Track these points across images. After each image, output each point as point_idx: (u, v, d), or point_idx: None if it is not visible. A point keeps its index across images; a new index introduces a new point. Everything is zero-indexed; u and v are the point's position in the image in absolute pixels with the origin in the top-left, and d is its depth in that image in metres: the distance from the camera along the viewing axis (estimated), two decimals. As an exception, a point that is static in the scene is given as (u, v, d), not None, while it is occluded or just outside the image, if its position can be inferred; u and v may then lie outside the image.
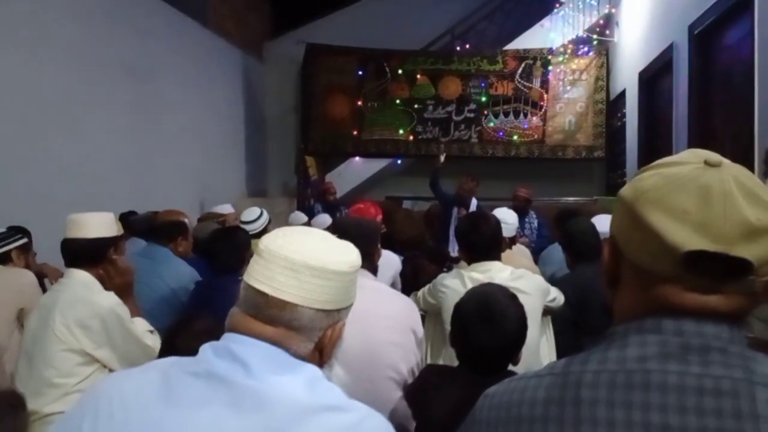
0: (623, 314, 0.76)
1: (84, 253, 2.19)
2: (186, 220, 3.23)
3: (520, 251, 3.66)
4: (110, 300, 2.15)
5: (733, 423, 0.64)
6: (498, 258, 2.38)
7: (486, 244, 2.35)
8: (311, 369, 0.94)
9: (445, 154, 6.02)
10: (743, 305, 0.70)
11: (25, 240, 3.23)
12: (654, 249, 0.70)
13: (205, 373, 0.89)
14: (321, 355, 0.97)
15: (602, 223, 3.27)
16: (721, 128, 4.40)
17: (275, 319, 0.92)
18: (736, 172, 0.70)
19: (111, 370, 2.09)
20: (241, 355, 0.89)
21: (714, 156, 0.72)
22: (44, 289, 3.08)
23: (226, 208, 4.37)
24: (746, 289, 0.69)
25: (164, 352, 1.63)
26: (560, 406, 0.71)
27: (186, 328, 1.68)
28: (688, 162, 0.72)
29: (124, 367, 2.03)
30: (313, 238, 0.98)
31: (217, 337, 0.95)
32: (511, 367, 1.57)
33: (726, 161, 0.72)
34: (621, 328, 0.75)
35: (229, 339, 0.93)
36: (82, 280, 2.17)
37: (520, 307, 1.60)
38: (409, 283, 3.07)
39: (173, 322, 1.76)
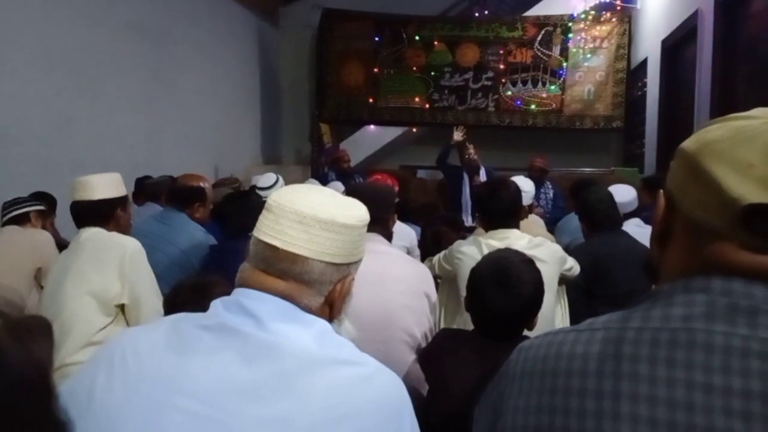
0: (670, 273, 0.74)
1: (92, 214, 2.24)
2: (205, 185, 3.22)
3: (535, 221, 3.64)
4: (135, 242, 2.22)
5: None
6: (517, 226, 2.36)
7: (505, 210, 2.33)
8: (322, 323, 0.95)
9: (461, 134, 5.84)
10: None
11: (41, 207, 3.26)
12: (712, 202, 0.68)
13: (217, 326, 0.90)
14: (331, 310, 0.98)
15: (620, 192, 3.23)
16: (745, 99, 4.30)
17: (286, 273, 0.93)
18: None
19: (127, 321, 2.14)
20: (252, 309, 0.90)
21: None
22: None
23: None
24: None
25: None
26: (600, 360, 0.70)
27: (201, 294, 1.66)
28: (758, 117, 0.70)
29: (141, 314, 2.10)
30: (321, 193, 1.00)
31: None
32: (526, 333, 1.57)
33: None
34: (667, 286, 0.73)
35: (240, 294, 0.94)
36: (96, 232, 2.22)
37: (536, 272, 1.59)
38: (430, 250, 3.06)
39: (181, 285, 1.74)
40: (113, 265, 2.12)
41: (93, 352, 0.97)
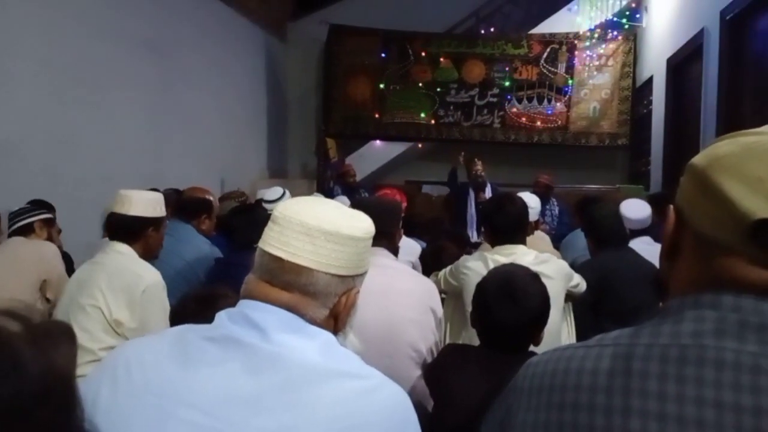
0: (680, 288, 0.74)
1: (123, 229, 2.26)
2: (211, 198, 3.23)
3: (541, 237, 3.63)
4: (155, 275, 2.20)
5: None
6: (523, 241, 2.35)
7: (511, 226, 2.33)
8: (327, 335, 0.95)
9: (462, 157, 6.06)
10: None
11: (48, 214, 3.27)
12: (722, 217, 0.68)
13: (221, 338, 0.90)
14: (336, 322, 0.98)
15: (634, 208, 3.18)
16: (751, 117, 4.30)
17: (291, 285, 0.93)
18: None
19: None
20: (257, 321, 0.90)
21: None
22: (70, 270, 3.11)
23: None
24: None
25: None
26: (609, 376, 0.69)
27: (207, 306, 1.65)
28: (767, 133, 0.70)
29: None
30: (327, 205, 1.00)
31: None
32: (533, 349, 1.56)
33: None
34: (676, 302, 0.73)
35: (245, 305, 0.94)
36: (123, 252, 2.22)
37: (542, 286, 1.59)
38: (430, 265, 3.05)
39: (187, 297, 1.74)
40: (123, 293, 2.12)
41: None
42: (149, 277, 2.18)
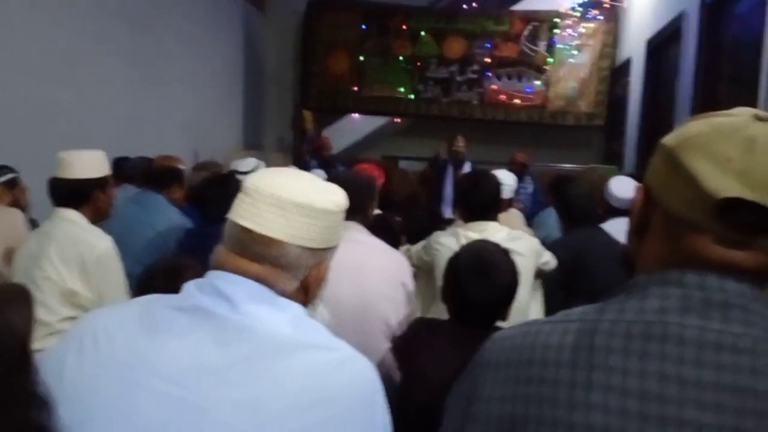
0: (646, 265, 0.75)
1: (68, 194, 2.16)
2: (182, 167, 3.18)
3: (515, 215, 3.66)
4: (106, 242, 2.13)
5: (750, 379, 0.64)
6: (495, 218, 2.37)
7: (485, 203, 2.34)
8: (296, 307, 0.94)
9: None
10: None
11: (11, 174, 3.14)
12: (690, 195, 0.69)
13: (190, 308, 0.89)
14: (306, 294, 0.97)
15: (622, 186, 3.13)
16: (726, 101, 4.34)
17: (261, 256, 0.92)
18: None
19: None
20: (226, 292, 0.89)
21: (764, 113, 0.71)
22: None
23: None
24: None
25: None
26: (574, 351, 0.70)
27: (173, 277, 1.63)
28: (738, 114, 0.72)
29: None
30: (300, 177, 0.99)
31: None
32: (499, 323, 1.57)
33: None
34: (642, 278, 0.74)
35: (214, 276, 0.92)
36: (71, 219, 2.14)
37: (512, 263, 1.60)
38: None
39: (153, 267, 1.71)
40: (76, 263, 2.05)
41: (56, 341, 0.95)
42: (101, 245, 2.10)
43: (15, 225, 2.91)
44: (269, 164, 4.16)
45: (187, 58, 6.53)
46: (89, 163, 2.20)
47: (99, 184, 2.21)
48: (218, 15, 7.38)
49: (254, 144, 8.51)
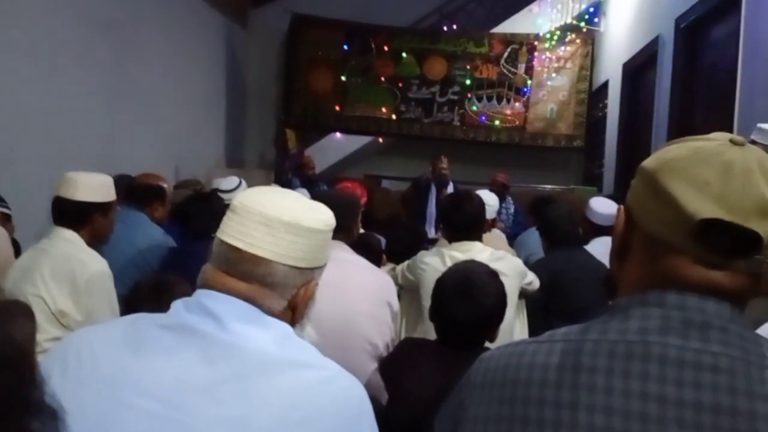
0: (628, 286, 0.77)
1: (69, 214, 2.15)
2: (165, 185, 3.16)
3: (497, 236, 3.68)
4: (101, 264, 2.12)
5: (729, 399, 0.65)
6: (479, 239, 2.39)
7: (468, 223, 2.36)
8: (283, 326, 0.94)
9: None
10: (747, 286, 0.71)
11: (7, 210, 3.12)
12: (669, 217, 0.71)
13: (176, 326, 0.89)
14: (294, 314, 0.97)
15: (602, 205, 3.20)
16: (702, 124, 4.44)
17: (249, 275, 0.92)
18: (759, 154, 0.72)
19: None
20: (213, 310, 0.89)
21: (739, 137, 0.73)
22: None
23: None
24: (753, 269, 0.70)
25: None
26: (559, 371, 0.71)
27: (161, 293, 1.62)
28: (715, 139, 0.74)
29: None
30: (287, 196, 0.99)
31: None
32: (487, 345, 1.58)
33: (749, 144, 0.74)
34: (624, 300, 0.75)
35: (202, 294, 0.92)
36: (68, 239, 2.13)
37: (500, 284, 1.61)
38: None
39: (141, 284, 1.71)
40: (67, 282, 2.03)
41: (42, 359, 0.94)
42: (94, 265, 2.09)
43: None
44: (250, 182, 4.16)
45: (169, 75, 6.50)
46: (94, 188, 2.20)
47: (101, 208, 2.21)
48: (200, 31, 7.38)
49: (236, 161, 8.49)
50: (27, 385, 0.53)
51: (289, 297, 0.95)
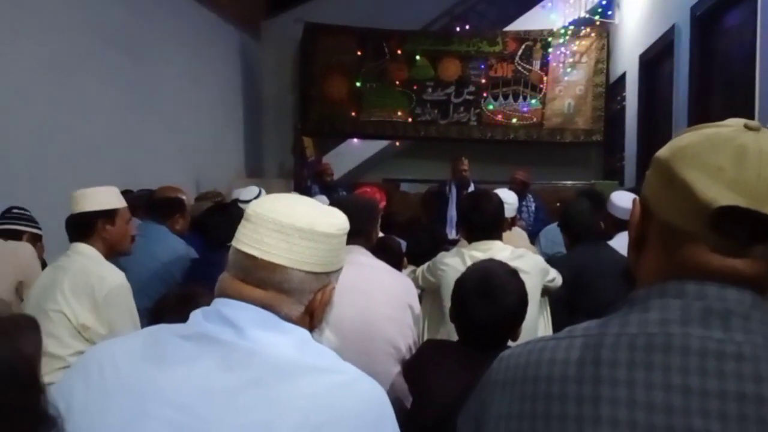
0: (646, 278, 0.76)
1: (76, 227, 2.21)
2: (184, 197, 3.20)
3: (518, 234, 3.66)
4: (118, 277, 2.15)
5: (754, 387, 0.64)
6: (499, 237, 2.38)
7: (487, 222, 2.35)
8: (302, 331, 0.94)
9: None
10: (767, 272, 0.70)
11: (39, 231, 3.18)
12: (685, 206, 0.70)
13: (196, 335, 0.90)
14: (311, 319, 0.98)
15: (622, 197, 3.15)
16: (721, 112, 4.37)
17: (265, 282, 0.93)
18: None
19: None
20: (231, 318, 0.90)
21: (754, 122, 0.72)
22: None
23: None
24: None
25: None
26: (579, 366, 0.71)
27: (185, 305, 1.64)
28: (728, 125, 0.73)
29: None
30: (301, 202, 0.99)
31: None
32: (510, 344, 1.57)
33: (764, 128, 0.72)
34: (642, 292, 0.74)
35: (219, 303, 0.93)
36: (85, 253, 2.17)
37: (520, 283, 1.60)
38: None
39: (167, 296, 1.73)
40: (87, 296, 2.06)
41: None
42: (112, 279, 2.12)
43: (26, 259, 2.92)
44: (271, 191, 4.18)
45: (186, 87, 6.59)
46: (94, 197, 2.23)
47: (104, 215, 2.23)
48: (215, 45, 7.47)
49: (255, 171, 8.56)
50: (36, 397, 0.55)
51: (306, 302, 0.95)
